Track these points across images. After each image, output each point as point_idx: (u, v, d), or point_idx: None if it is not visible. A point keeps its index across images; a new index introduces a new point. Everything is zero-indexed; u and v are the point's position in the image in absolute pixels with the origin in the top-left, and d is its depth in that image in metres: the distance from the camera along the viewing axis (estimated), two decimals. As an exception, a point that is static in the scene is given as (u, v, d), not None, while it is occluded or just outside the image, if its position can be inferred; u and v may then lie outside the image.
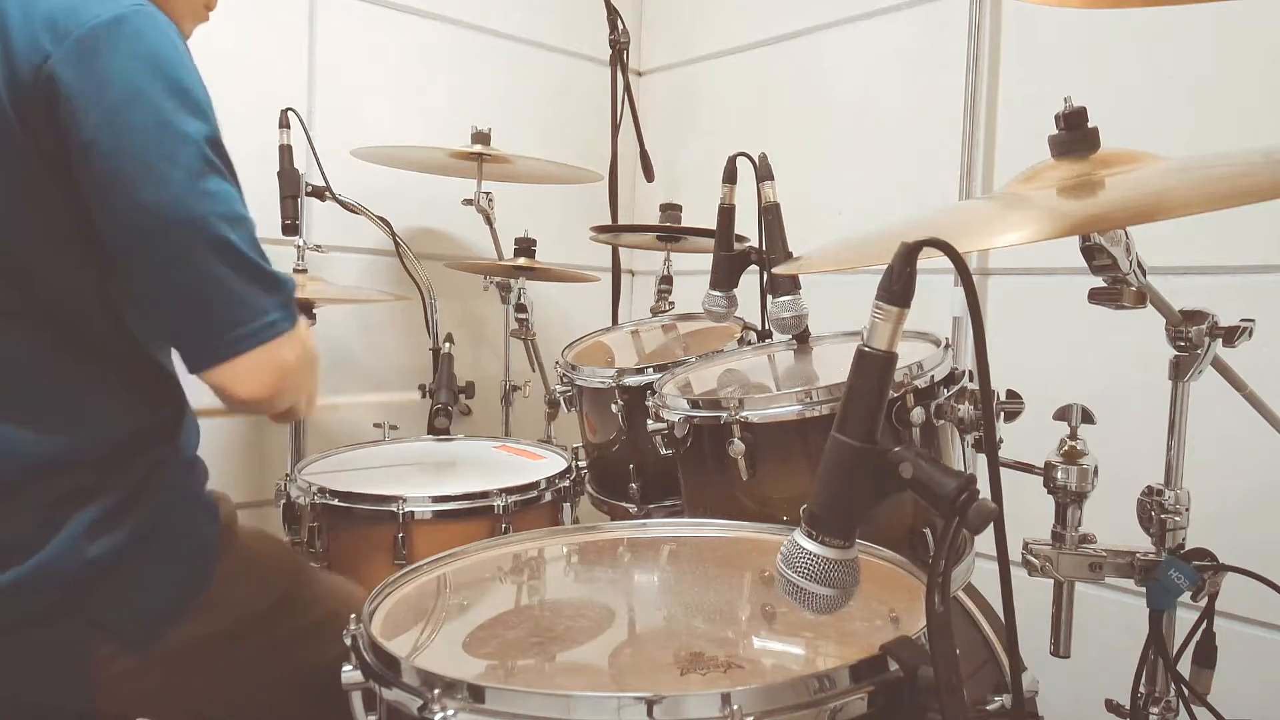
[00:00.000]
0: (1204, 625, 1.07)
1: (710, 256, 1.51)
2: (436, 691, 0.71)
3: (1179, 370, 1.03)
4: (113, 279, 0.97)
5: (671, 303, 2.08)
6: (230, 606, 1.07)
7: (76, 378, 0.99)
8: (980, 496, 0.66)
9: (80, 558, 0.95)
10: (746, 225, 1.51)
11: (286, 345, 1.00)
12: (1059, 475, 1.04)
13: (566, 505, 1.61)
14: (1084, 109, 0.92)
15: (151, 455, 1.03)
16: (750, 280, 1.52)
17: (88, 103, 0.91)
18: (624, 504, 1.58)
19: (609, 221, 2.29)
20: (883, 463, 0.69)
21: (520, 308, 2.17)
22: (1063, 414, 1.05)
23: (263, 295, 0.98)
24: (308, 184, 1.89)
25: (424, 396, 2.00)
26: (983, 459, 0.86)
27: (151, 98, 0.93)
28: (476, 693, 0.70)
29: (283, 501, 1.55)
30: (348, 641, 0.82)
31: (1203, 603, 1.04)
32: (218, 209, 0.94)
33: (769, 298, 1.44)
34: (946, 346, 1.17)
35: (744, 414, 1.12)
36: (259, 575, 1.12)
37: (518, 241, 2.03)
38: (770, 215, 1.45)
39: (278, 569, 1.15)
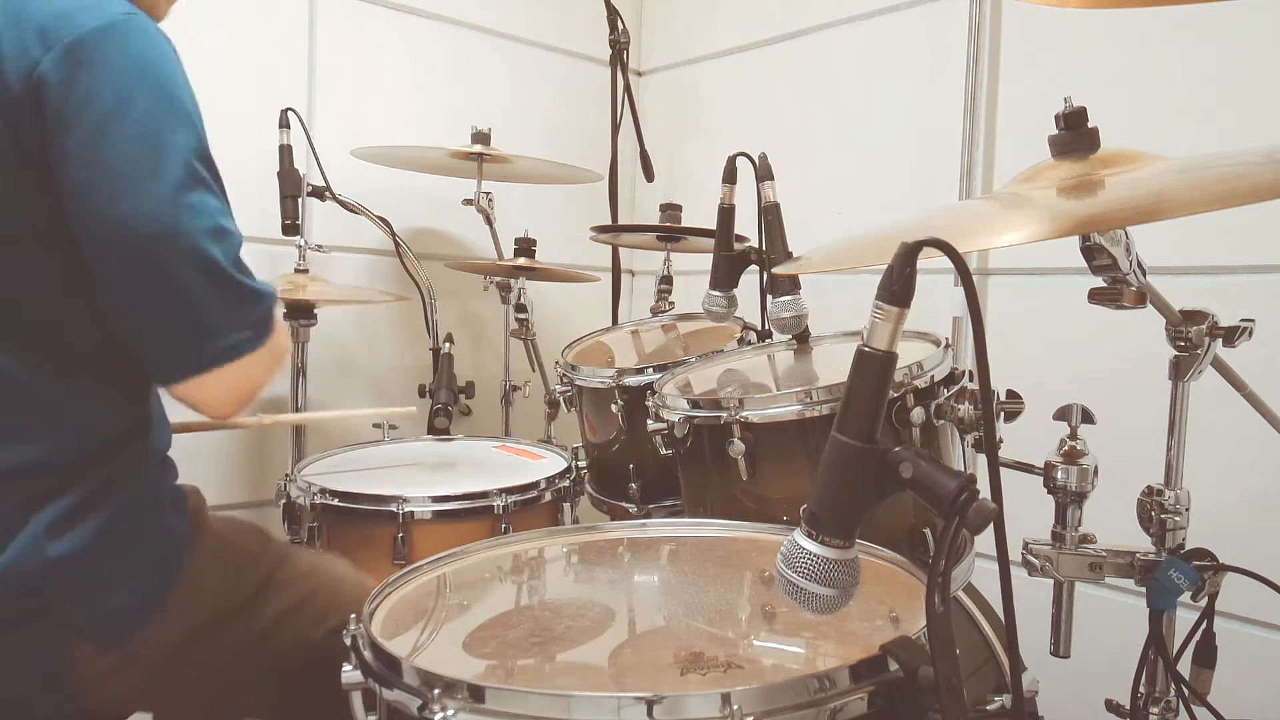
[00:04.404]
0: (1204, 625, 1.07)
1: (710, 256, 1.51)
2: (436, 691, 0.71)
3: (1179, 370, 1.03)
4: (89, 283, 0.96)
5: (671, 303, 2.08)
6: (207, 597, 1.06)
7: (50, 386, 0.98)
8: (980, 496, 0.66)
9: (41, 558, 0.94)
10: (746, 225, 1.51)
11: (256, 361, 0.99)
12: (1059, 475, 1.04)
13: (566, 505, 1.61)
14: (1084, 109, 0.92)
15: (120, 457, 1.02)
16: (750, 280, 1.52)
17: (75, 111, 0.90)
18: (624, 504, 1.58)
19: (609, 221, 2.29)
20: (883, 463, 0.68)
21: (520, 308, 2.17)
22: (1063, 414, 1.05)
23: (237, 311, 0.97)
24: (308, 184, 1.89)
25: (423, 396, 2.01)
26: (983, 459, 0.86)
27: (139, 107, 0.92)
28: (476, 693, 0.70)
29: (283, 501, 1.55)
30: (348, 641, 0.82)
31: (1203, 603, 1.04)
32: (199, 223, 0.93)
33: (769, 298, 1.44)
34: (946, 346, 1.17)
35: (744, 414, 1.12)
36: (234, 563, 1.12)
37: (518, 241, 2.03)
38: (770, 215, 1.45)
39: (253, 554, 1.15)
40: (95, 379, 1.01)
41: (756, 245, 1.50)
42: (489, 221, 2.12)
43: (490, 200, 2.08)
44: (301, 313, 1.90)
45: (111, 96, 0.91)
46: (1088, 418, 1.04)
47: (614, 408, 1.53)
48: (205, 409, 1.00)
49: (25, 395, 0.97)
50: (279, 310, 1.05)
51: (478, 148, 1.95)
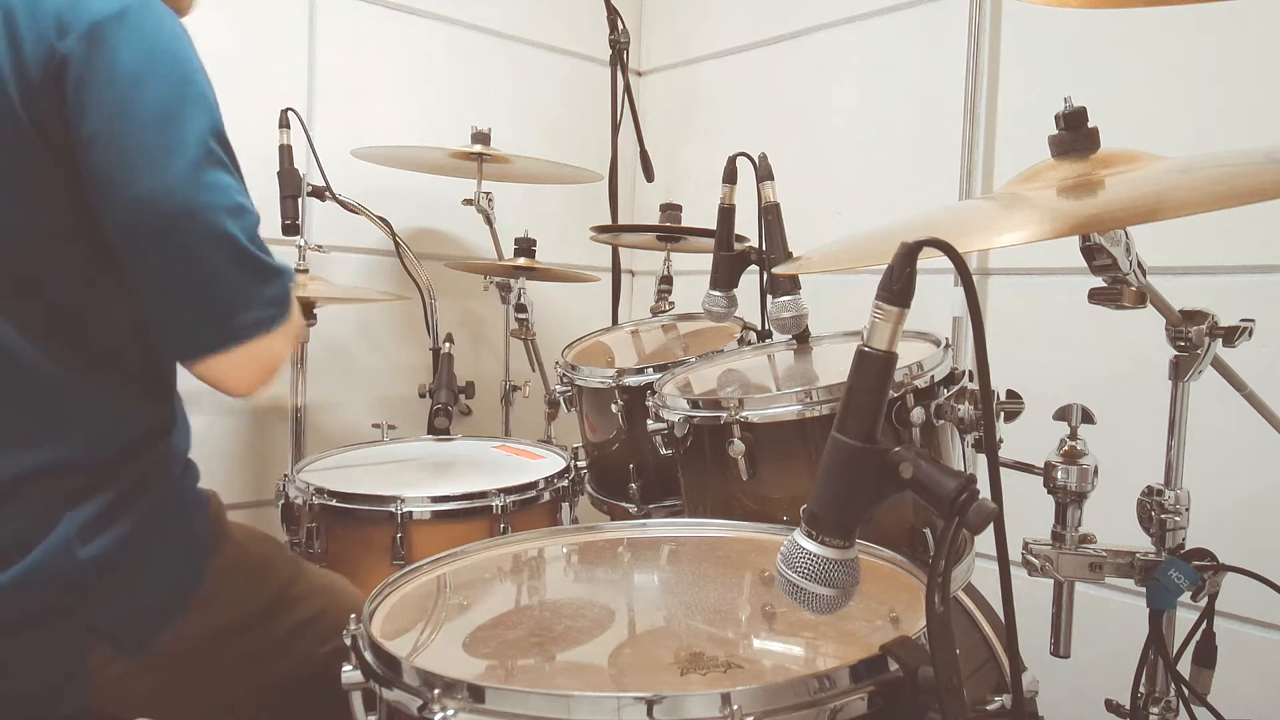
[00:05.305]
0: (1204, 625, 1.07)
1: (710, 256, 1.51)
2: (436, 691, 0.71)
3: (1179, 370, 1.03)
4: (115, 278, 0.97)
5: (671, 303, 2.08)
6: (224, 605, 1.07)
7: (78, 384, 0.98)
8: (980, 496, 0.66)
9: (72, 560, 0.95)
10: (746, 225, 1.51)
11: (278, 339, 1.00)
12: (1059, 475, 1.04)
13: (566, 505, 1.61)
14: (1084, 109, 0.92)
15: (146, 457, 1.02)
16: (750, 280, 1.52)
17: (94, 95, 0.91)
18: (624, 504, 1.58)
19: (609, 221, 2.29)
20: (883, 463, 0.68)
21: (520, 308, 2.17)
22: (1063, 414, 1.05)
23: (259, 288, 0.98)
24: (308, 184, 1.89)
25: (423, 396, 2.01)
26: (983, 459, 0.86)
27: (155, 88, 0.93)
28: (476, 693, 0.70)
29: (281, 502, 1.55)
30: (348, 641, 0.82)
31: (1203, 603, 1.04)
32: (218, 200, 0.94)
33: (769, 298, 1.44)
34: (946, 346, 1.17)
35: (744, 414, 1.12)
36: (252, 572, 1.12)
37: (518, 241, 2.03)
38: (770, 215, 1.45)
39: (270, 565, 1.15)
40: (122, 377, 1.02)
41: (756, 245, 1.50)
42: (489, 221, 2.12)
43: (490, 200, 2.08)
44: (301, 312, 1.90)
45: (128, 77, 0.92)
46: (1088, 418, 1.04)
47: (614, 408, 1.53)
48: (226, 387, 1.00)
49: (54, 393, 0.97)
50: (295, 289, 1.06)
51: (478, 148, 1.95)
